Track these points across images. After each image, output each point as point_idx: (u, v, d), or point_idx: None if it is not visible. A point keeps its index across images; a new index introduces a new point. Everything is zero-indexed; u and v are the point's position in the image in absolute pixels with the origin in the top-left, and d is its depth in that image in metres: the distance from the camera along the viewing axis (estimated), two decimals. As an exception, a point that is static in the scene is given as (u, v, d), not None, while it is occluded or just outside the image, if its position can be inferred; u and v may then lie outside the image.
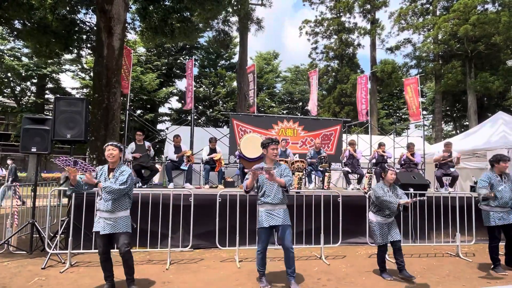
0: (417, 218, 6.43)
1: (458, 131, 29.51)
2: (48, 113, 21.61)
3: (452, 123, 33.56)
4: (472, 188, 10.70)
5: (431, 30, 21.62)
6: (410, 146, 8.84)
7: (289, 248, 4.05)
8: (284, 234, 4.04)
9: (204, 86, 28.86)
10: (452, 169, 8.35)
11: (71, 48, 11.11)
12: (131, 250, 3.93)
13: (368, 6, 24.17)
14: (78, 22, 10.87)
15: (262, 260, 4.20)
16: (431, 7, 23.30)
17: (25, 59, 20.70)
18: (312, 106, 11.98)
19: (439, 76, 22.64)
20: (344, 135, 11.05)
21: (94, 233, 3.90)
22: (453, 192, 7.07)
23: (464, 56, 21.27)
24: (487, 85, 19.37)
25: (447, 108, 30.41)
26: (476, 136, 11.01)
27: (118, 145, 4.02)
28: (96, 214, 3.93)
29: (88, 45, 11.76)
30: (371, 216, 4.75)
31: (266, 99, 30.96)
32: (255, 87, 11.35)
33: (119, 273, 4.02)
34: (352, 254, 5.91)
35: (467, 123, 23.47)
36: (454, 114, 31.32)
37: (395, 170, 4.74)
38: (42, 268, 4.68)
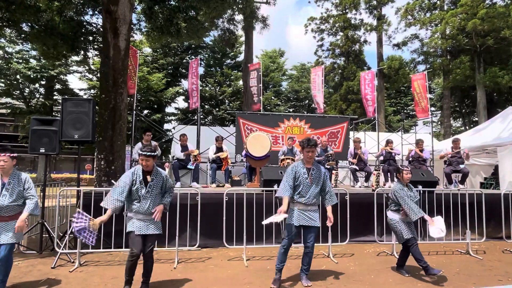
0: (426, 216, 6.34)
1: (467, 127, 29.11)
2: (56, 114, 21.85)
3: (461, 119, 33.11)
4: (482, 185, 10.58)
5: (439, 25, 21.32)
6: (419, 143, 8.73)
7: (309, 247, 4.22)
8: (310, 234, 4.19)
9: (210, 85, 28.90)
10: (461, 166, 8.24)
11: (78, 49, 11.17)
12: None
13: (374, 2, 23.96)
14: (84, 23, 10.93)
15: (284, 255, 4.21)
16: (438, 2, 22.99)
17: (33, 61, 20.95)
18: (318, 103, 11.84)
19: (447, 72, 22.33)
20: (351, 133, 10.98)
21: (130, 233, 3.78)
22: (463, 189, 6.97)
23: (473, 51, 20.95)
24: (497, 80, 19.05)
25: (456, 104, 30.00)
26: (486, 132, 10.85)
27: (152, 154, 3.82)
28: (127, 215, 3.93)
29: (95, 46, 11.82)
30: (391, 215, 4.68)
31: (272, 97, 30.89)
32: (261, 85, 11.29)
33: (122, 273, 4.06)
34: (360, 252, 5.87)
35: (476, 119, 23.15)
36: (463, 110, 30.89)
37: (409, 169, 4.71)
38: (52, 268, 4.73)
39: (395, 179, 4.88)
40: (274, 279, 4.17)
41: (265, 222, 4.18)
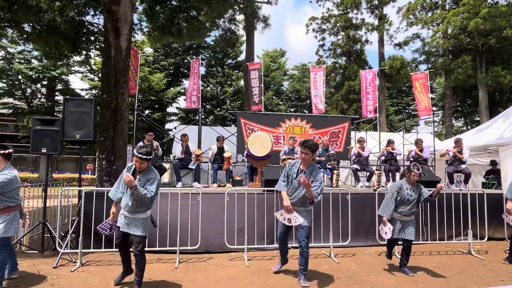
0: (428, 216, 6.33)
1: (469, 127, 29.06)
2: (58, 115, 21.91)
3: (462, 118, 33.04)
4: (484, 185, 10.55)
5: (441, 24, 21.29)
6: (418, 142, 8.69)
7: (302, 247, 4.16)
8: (300, 233, 4.17)
9: (211, 85, 28.94)
10: (463, 166, 8.22)
11: (79, 49, 11.21)
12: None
13: (376, 2, 23.92)
14: (86, 23, 10.96)
15: (280, 243, 4.54)
16: (440, 1, 22.93)
17: (35, 62, 21.02)
18: (317, 103, 11.67)
19: (449, 71, 22.28)
20: (352, 132, 10.96)
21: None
22: (464, 189, 6.95)
23: (475, 50, 20.90)
24: (499, 79, 19.01)
25: (458, 103, 29.94)
26: (488, 131, 10.79)
27: (148, 158, 3.77)
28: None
29: (97, 46, 11.86)
30: None
31: (273, 97, 30.90)
32: (262, 84, 11.25)
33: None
34: (362, 252, 5.86)
35: (478, 118, 23.08)
36: (465, 109, 30.83)
37: (419, 172, 4.63)
38: (53, 267, 4.74)
39: (403, 178, 4.85)
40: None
41: (279, 218, 4.33)
